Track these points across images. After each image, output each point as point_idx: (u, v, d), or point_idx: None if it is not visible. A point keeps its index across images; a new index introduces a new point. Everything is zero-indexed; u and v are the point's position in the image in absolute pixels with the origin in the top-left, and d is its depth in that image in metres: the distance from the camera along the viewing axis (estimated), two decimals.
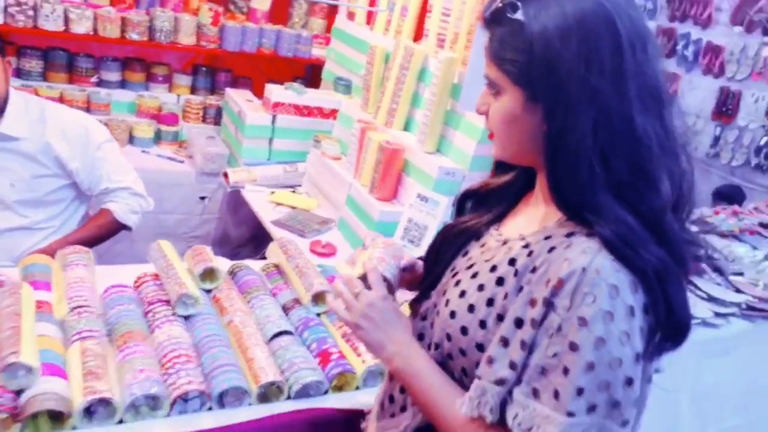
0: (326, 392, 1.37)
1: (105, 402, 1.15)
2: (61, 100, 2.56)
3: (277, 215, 2.36)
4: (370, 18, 2.85)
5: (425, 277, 1.05)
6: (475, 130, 2.06)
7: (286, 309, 1.58)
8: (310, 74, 3.40)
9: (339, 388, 1.39)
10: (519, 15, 0.78)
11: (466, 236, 0.98)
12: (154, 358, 1.28)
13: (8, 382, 1.11)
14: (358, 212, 2.24)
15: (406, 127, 2.40)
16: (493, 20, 0.82)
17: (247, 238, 2.86)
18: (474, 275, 0.87)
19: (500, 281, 0.83)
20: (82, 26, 2.52)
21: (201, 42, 2.82)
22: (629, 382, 0.73)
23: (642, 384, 0.77)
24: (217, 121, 3.02)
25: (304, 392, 1.34)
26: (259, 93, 3.08)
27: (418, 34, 2.54)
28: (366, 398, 1.38)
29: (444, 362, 0.89)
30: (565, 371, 0.72)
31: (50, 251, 1.92)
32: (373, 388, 1.42)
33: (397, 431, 1.00)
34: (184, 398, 1.23)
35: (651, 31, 0.82)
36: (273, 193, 2.54)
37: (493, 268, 0.85)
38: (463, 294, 0.87)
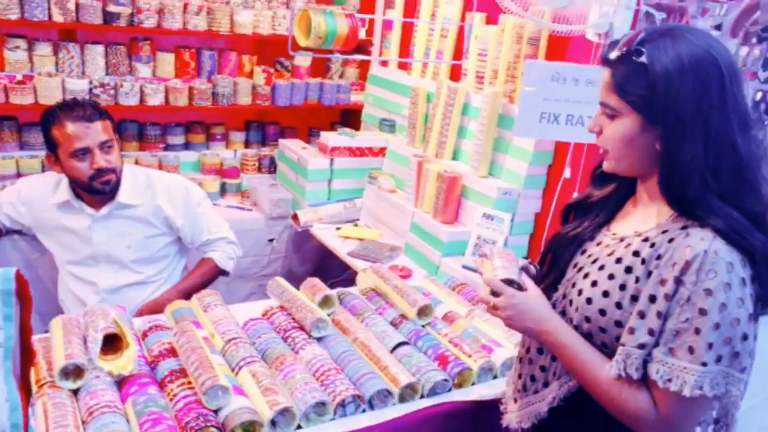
0: (450, 390, 1.61)
1: (285, 412, 1.39)
2: (136, 164, 2.83)
3: (348, 247, 2.61)
4: (402, 65, 3.14)
5: (546, 276, 1.29)
6: (525, 153, 2.33)
7: (394, 324, 1.82)
8: (346, 118, 3.69)
9: (459, 385, 1.63)
10: (643, 58, 1.03)
11: (580, 239, 1.23)
12: (309, 374, 1.52)
13: (209, 402, 1.35)
14: (425, 236, 2.49)
15: (455, 157, 2.67)
16: (617, 61, 1.07)
17: (311, 272, 3.10)
18: (601, 268, 1.12)
19: (629, 270, 1.07)
20: (156, 99, 2.81)
21: (256, 101, 3.11)
22: (745, 337, 0.98)
23: (753, 340, 1.01)
24: (271, 170, 3.29)
25: (433, 391, 1.58)
26: (304, 139, 3.37)
27: (454, 75, 2.82)
28: (483, 390, 1.62)
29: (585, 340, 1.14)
30: (697, 331, 0.97)
31: (162, 300, 2.18)
32: (486, 382, 1.66)
33: (544, 403, 1.23)
34: (342, 404, 1.47)
35: (739, 66, 1.08)
36: (339, 228, 2.79)
37: (619, 260, 1.10)
38: (594, 284, 1.12)
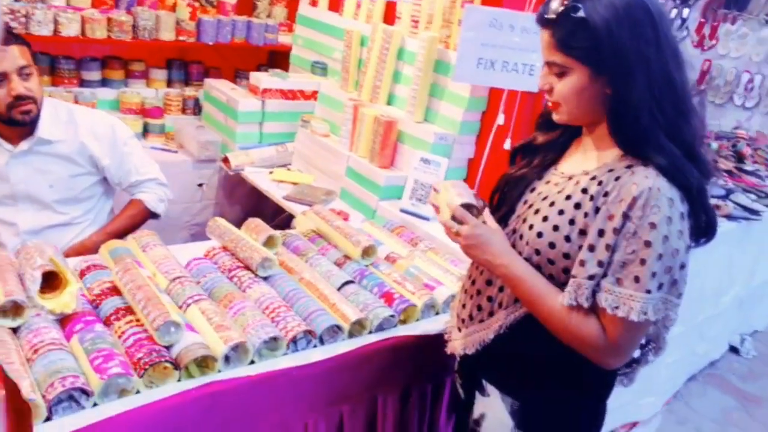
0: (395, 326, 1.66)
1: (237, 347, 1.39)
2: None
3: (283, 192, 2.59)
4: (333, 5, 3.08)
5: (495, 211, 1.35)
6: (461, 99, 2.38)
7: (338, 264, 1.85)
8: (273, 60, 3.58)
9: (403, 321, 1.69)
10: (580, 13, 1.08)
11: (529, 179, 1.30)
12: (258, 311, 1.52)
13: (161, 338, 1.33)
14: (361, 181, 2.51)
15: (389, 102, 2.67)
16: (555, 20, 1.12)
17: (242, 218, 3.05)
18: (551, 204, 1.19)
19: (577, 206, 1.14)
20: (71, 29, 2.61)
21: (180, 36, 2.95)
22: (682, 266, 1.08)
23: (687, 268, 1.11)
24: (195, 111, 3.16)
25: (380, 327, 1.62)
26: (230, 80, 3.25)
27: (389, 18, 2.80)
28: (427, 326, 1.69)
29: None
30: (642, 262, 1.05)
31: (90, 242, 2.10)
32: (429, 318, 1.73)
33: (490, 331, 1.31)
34: (294, 340, 1.48)
35: (663, 7, 1.16)
36: (272, 172, 2.75)
37: (568, 197, 1.16)
38: (545, 219, 1.18)
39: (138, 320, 1.38)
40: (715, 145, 3.93)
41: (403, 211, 2.35)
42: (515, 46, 2.14)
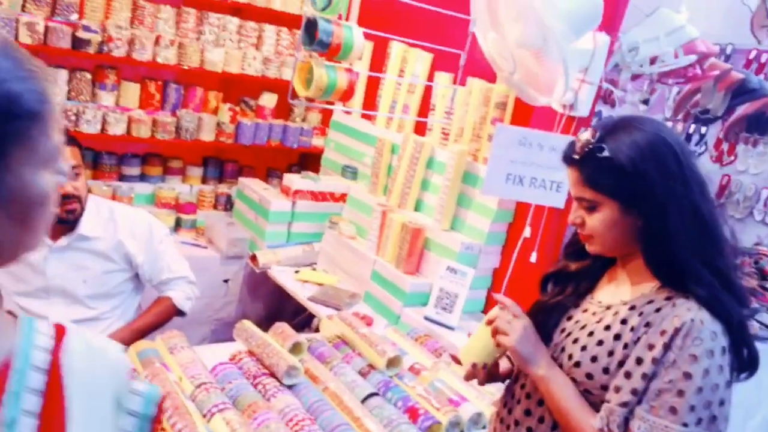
0: None
1: None
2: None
3: (307, 292, 2.60)
4: (366, 113, 3.22)
5: None
6: (488, 210, 2.43)
7: (362, 374, 1.83)
8: (305, 161, 3.71)
9: None
10: (606, 153, 1.14)
11: (564, 306, 1.30)
12: (282, 423, 1.50)
13: None
14: (387, 285, 2.52)
15: (417, 208, 2.73)
16: (582, 159, 1.18)
17: (263, 316, 3.06)
18: (590, 334, 1.18)
19: (617, 337, 1.14)
20: (117, 128, 2.75)
21: (219, 138, 3.09)
22: (722, 402, 1.06)
23: (728, 405, 1.09)
24: (227, 207, 3.25)
25: None
26: (261, 179, 3.35)
27: (418, 129, 2.92)
28: None
29: None
30: (680, 393, 1.04)
31: (117, 339, 2.09)
32: None
33: None
34: None
35: (685, 141, 1.21)
36: (297, 272, 2.78)
37: (607, 327, 1.16)
38: (584, 348, 1.18)
39: (164, 429, 1.37)
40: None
41: (427, 318, 2.34)
42: (543, 163, 2.21)
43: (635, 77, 2.64)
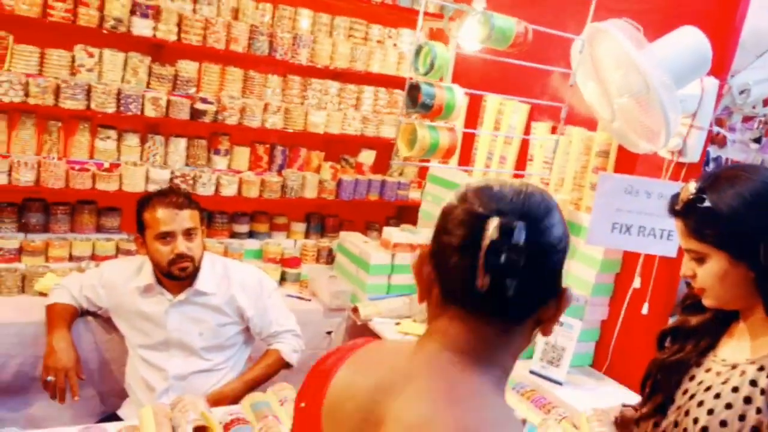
0: None
1: None
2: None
3: None
4: (463, 164, 3.25)
5: (648, 401, 1.28)
6: (594, 260, 2.35)
7: None
8: (402, 213, 3.78)
9: None
10: (707, 203, 1.10)
11: (685, 365, 1.24)
12: None
13: None
14: None
15: None
16: (685, 211, 1.15)
17: None
18: (716, 396, 1.12)
19: (747, 400, 1.07)
20: (230, 190, 2.95)
21: (321, 194, 3.23)
22: None
23: None
24: (328, 260, 3.36)
25: None
26: (361, 232, 3.44)
27: (517, 178, 2.91)
28: None
29: None
30: None
31: (229, 390, 2.19)
32: None
33: None
34: None
35: None
36: (398, 323, 2.80)
37: (735, 389, 1.09)
38: (711, 412, 1.11)
39: None
40: None
41: (533, 372, 2.27)
42: (652, 211, 2.13)
43: (747, 119, 2.52)
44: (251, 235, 3.24)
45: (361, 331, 2.99)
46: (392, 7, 3.38)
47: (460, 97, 1.99)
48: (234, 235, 3.18)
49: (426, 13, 3.28)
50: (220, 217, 3.13)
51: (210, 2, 2.92)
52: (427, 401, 0.76)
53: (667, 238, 2.14)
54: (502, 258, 0.75)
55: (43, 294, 2.47)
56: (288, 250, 3.25)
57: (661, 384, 1.25)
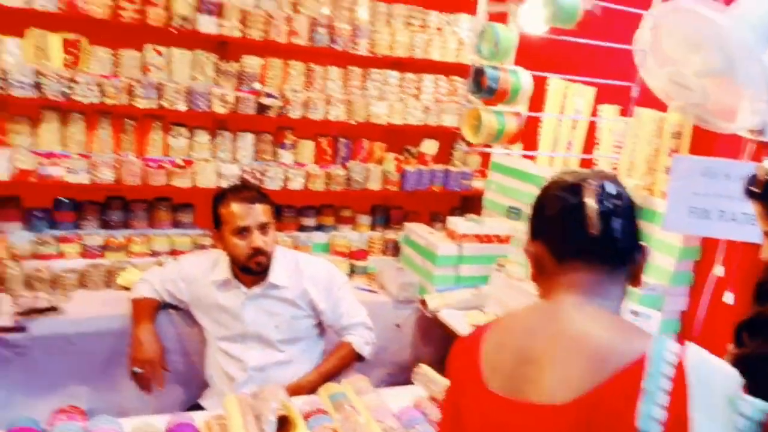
0: None
1: None
2: None
3: None
4: (527, 149, 3.19)
5: None
6: (672, 248, 2.27)
7: None
8: (466, 204, 3.75)
9: None
10: None
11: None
12: None
13: None
14: None
15: None
16: (762, 192, 1.12)
17: (436, 359, 3.08)
18: None
19: None
20: (296, 183, 3.01)
21: (386, 186, 3.24)
22: None
23: None
24: (394, 252, 3.37)
25: None
26: (425, 223, 3.44)
27: (584, 165, 2.83)
28: None
29: None
30: None
31: (305, 382, 2.23)
32: None
33: None
34: None
35: None
36: (467, 315, 2.79)
37: None
38: None
39: None
40: None
41: None
42: (733, 194, 2.04)
43: None
44: (318, 228, 3.28)
45: (430, 324, 3.00)
46: None
47: (526, 80, 1.95)
48: (302, 228, 3.24)
49: None
50: (288, 210, 3.19)
51: None
52: (570, 324, 0.97)
53: (751, 223, 2.04)
54: (607, 204, 0.99)
55: (125, 288, 2.59)
56: (355, 242, 3.29)
57: (748, 379, 1.20)
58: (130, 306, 2.35)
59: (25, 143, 2.60)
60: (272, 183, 2.96)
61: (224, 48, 2.95)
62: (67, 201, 2.77)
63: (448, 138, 3.53)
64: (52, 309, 2.36)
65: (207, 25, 2.77)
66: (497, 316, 1.18)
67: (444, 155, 3.54)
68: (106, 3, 2.61)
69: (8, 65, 2.47)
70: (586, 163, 2.81)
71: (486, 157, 3.52)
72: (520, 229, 2.99)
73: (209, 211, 2.26)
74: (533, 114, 2.99)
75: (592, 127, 2.82)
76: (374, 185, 3.23)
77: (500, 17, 2.46)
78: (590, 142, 2.84)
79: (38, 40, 2.55)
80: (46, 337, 2.32)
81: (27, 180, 2.57)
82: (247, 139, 2.98)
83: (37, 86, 2.51)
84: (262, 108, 2.91)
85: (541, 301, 1.08)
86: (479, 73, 1.94)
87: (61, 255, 2.70)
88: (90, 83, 2.59)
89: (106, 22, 2.63)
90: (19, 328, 2.27)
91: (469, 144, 2.07)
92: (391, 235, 3.39)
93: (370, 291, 3.07)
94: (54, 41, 2.58)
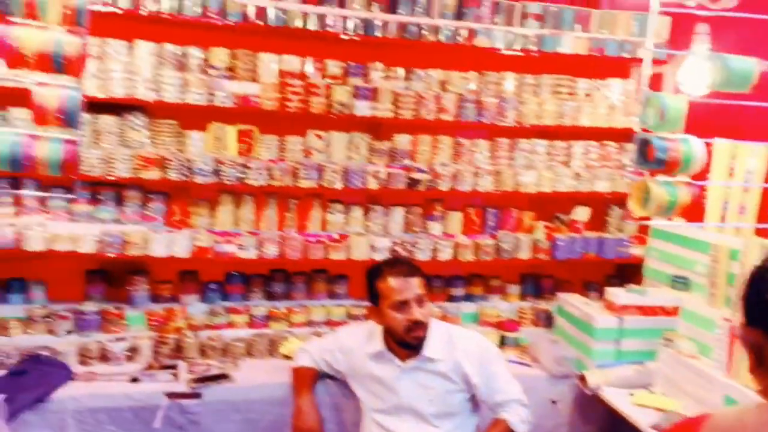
0: None
1: None
2: None
3: (647, 417, 2.39)
4: (692, 219, 2.98)
5: None
6: None
7: None
8: (623, 272, 3.55)
9: None
10: None
11: None
12: None
13: None
14: None
15: None
16: None
17: None
18: None
19: None
20: (445, 254, 3.06)
21: (536, 254, 3.18)
22: None
23: None
24: (546, 324, 3.25)
25: None
26: (578, 293, 3.28)
27: (762, 229, 2.59)
28: None
29: None
30: None
31: None
32: None
33: None
34: None
35: None
36: (632, 394, 2.59)
37: None
38: None
39: None
40: None
41: None
42: None
43: None
44: (467, 297, 3.27)
45: (590, 401, 2.82)
46: (599, 58, 3.30)
47: (698, 149, 1.84)
48: (450, 298, 3.24)
49: (634, 59, 3.16)
50: (437, 281, 3.22)
51: (419, 78, 3.11)
52: None
53: None
54: None
55: (287, 357, 2.73)
56: (504, 312, 3.22)
57: None
58: (291, 375, 2.46)
59: (204, 223, 2.91)
60: (422, 254, 3.02)
61: (377, 128, 3.13)
62: (237, 274, 3.02)
63: (601, 204, 3.40)
64: (224, 377, 2.54)
65: (362, 109, 2.97)
66: (703, 414, 1.04)
67: (597, 222, 3.41)
68: (275, 96, 2.89)
69: (192, 155, 2.80)
70: (763, 232, 2.57)
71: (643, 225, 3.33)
72: (689, 301, 2.76)
73: (363, 282, 2.35)
74: (700, 183, 2.80)
75: (767, 191, 2.59)
76: (524, 254, 3.17)
77: (654, 80, 2.38)
78: (766, 205, 2.60)
79: (217, 132, 2.88)
80: (216, 403, 2.48)
81: (204, 257, 2.85)
82: (398, 213, 3.09)
83: (216, 172, 2.82)
84: (412, 182, 3.02)
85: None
86: (645, 143, 1.87)
87: (230, 325, 2.93)
88: (260, 168, 2.85)
89: (275, 113, 2.91)
90: (194, 395, 2.44)
91: (636, 219, 1.97)
92: (542, 305, 3.29)
93: (523, 364, 2.96)
94: (230, 132, 2.90)
